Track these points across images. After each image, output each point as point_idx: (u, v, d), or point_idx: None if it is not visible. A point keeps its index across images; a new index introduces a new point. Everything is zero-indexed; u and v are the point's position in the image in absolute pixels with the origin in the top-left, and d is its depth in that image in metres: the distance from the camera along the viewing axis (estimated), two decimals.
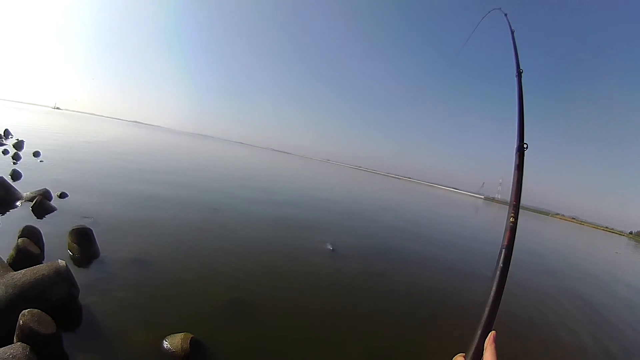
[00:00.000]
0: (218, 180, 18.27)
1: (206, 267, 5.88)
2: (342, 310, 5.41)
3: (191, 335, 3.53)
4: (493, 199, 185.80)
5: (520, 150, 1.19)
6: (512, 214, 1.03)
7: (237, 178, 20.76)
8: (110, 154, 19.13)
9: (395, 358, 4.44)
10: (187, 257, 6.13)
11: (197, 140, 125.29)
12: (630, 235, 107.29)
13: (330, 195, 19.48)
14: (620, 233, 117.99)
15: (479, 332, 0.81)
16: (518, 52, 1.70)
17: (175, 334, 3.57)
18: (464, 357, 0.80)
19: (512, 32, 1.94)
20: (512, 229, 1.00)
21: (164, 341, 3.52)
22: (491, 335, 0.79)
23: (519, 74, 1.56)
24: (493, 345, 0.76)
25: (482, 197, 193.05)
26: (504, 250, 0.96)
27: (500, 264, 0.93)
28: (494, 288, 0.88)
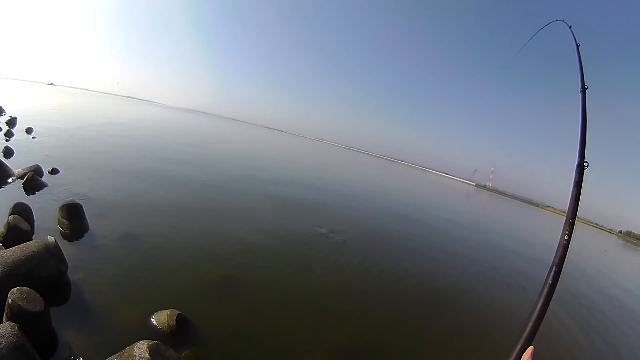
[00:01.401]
0: (211, 158, 18.15)
1: (196, 244, 5.96)
2: (333, 293, 5.45)
3: (178, 312, 3.63)
4: (484, 187, 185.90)
5: (581, 167, 1.15)
6: (567, 232, 1.00)
7: (231, 156, 20.60)
8: (103, 130, 18.84)
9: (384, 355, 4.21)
10: (177, 233, 6.19)
11: (189, 116, 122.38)
12: (620, 234, 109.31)
13: (323, 179, 19.26)
14: (610, 231, 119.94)
15: (518, 346, 0.79)
16: (583, 67, 1.60)
17: (162, 311, 3.67)
18: None
19: (578, 46, 1.84)
20: (565, 247, 0.96)
21: (151, 317, 3.62)
22: (529, 350, 0.77)
23: (584, 90, 1.46)
24: None
25: (474, 184, 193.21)
26: (554, 267, 0.93)
27: (549, 281, 0.90)
28: (539, 304, 0.86)
